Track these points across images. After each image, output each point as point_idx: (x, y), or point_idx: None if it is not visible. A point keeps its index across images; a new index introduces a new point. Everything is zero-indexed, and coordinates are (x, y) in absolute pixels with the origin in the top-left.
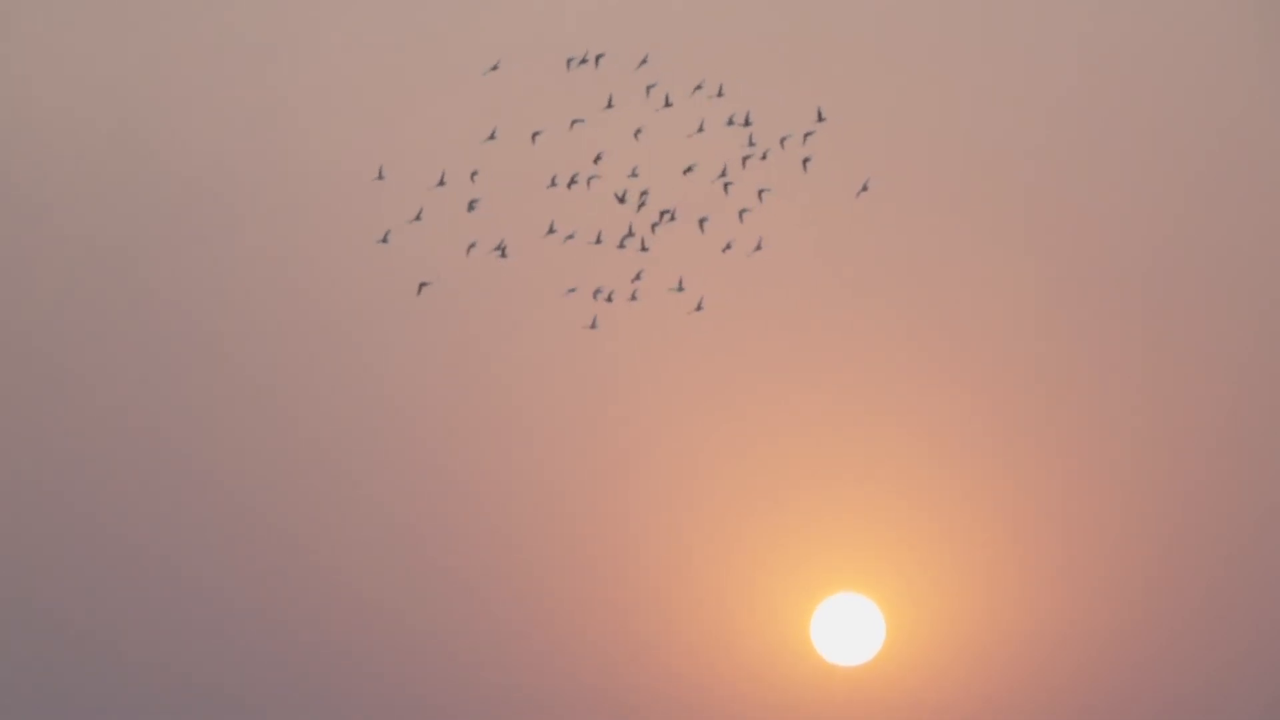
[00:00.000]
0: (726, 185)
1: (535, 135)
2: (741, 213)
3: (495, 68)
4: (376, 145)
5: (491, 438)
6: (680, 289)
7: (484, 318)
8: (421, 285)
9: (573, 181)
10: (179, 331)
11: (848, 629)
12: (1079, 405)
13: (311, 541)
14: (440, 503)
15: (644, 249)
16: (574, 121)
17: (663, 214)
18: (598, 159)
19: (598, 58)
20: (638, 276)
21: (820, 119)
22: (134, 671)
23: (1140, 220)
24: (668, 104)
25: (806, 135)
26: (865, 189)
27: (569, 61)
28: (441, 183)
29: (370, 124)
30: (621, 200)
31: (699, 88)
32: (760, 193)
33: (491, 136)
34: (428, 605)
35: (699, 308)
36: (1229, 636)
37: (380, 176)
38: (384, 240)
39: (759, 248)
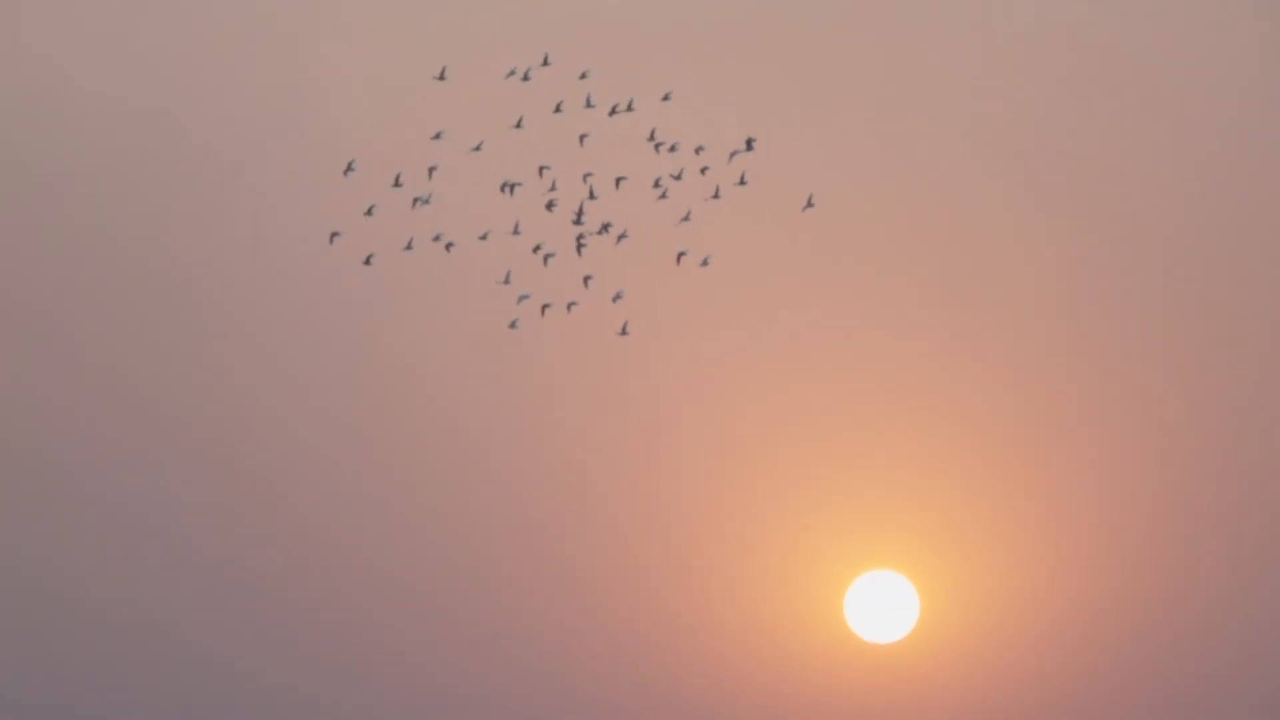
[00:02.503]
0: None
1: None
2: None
3: (442, 76)
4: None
5: (526, 415)
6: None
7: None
8: (368, 258)
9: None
10: (205, 313)
11: (882, 606)
12: (1111, 383)
13: (337, 528)
14: (472, 482)
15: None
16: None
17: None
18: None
19: (543, 62)
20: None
21: (750, 147)
22: (163, 658)
23: (1164, 195)
24: (625, 109)
25: (745, 149)
26: (811, 204)
27: (511, 72)
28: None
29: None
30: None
31: (630, 108)
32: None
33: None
34: (460, 587)
35: (623, 331)
36: (1262, 611)
37: (350, 169)
38: (336, 236)
39: (705, 262)
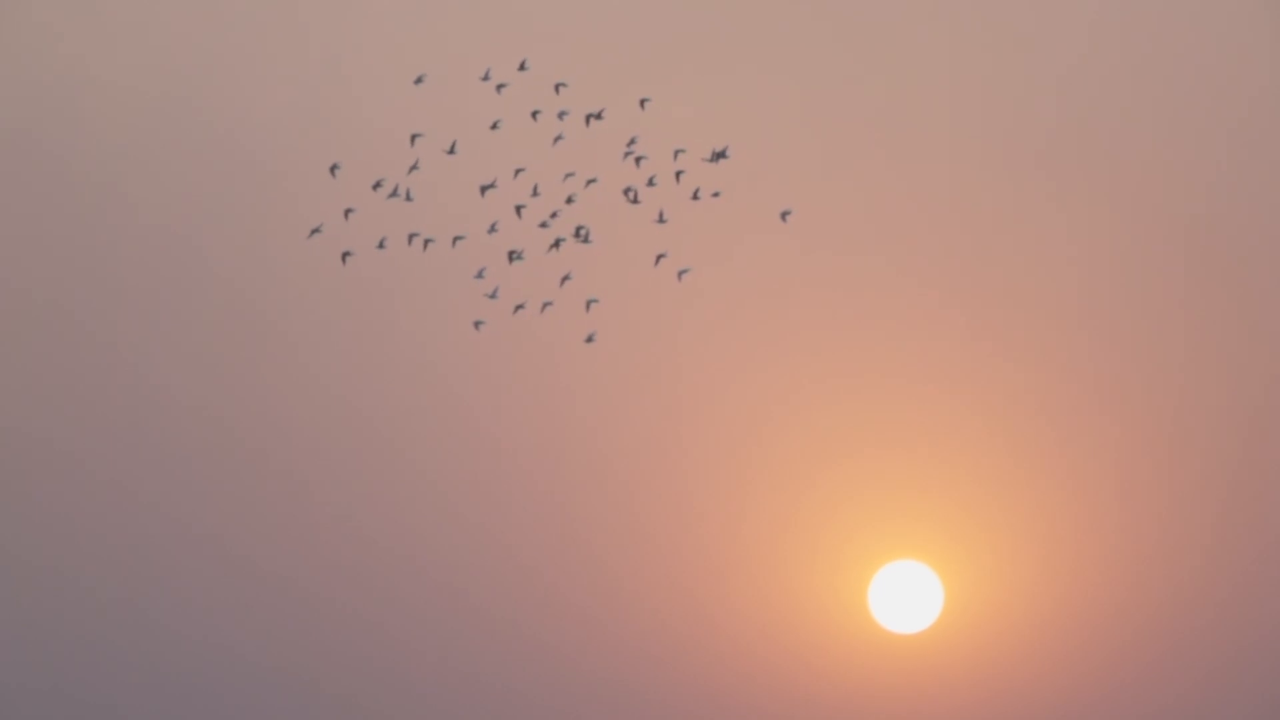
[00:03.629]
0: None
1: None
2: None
3: (420, 80)
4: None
5: (546, 405)
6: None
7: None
8: (345, 255)
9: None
10: (217, 304)
11: (906, 596)
12: (1136, 370)
13: (363, 516)
14: (494, 473)
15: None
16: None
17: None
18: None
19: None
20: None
21: (725, 155)
22: (185, 653)
23: (1186, 179)
24: (597, 117)
25: (718, 156)
26: (790, 212)
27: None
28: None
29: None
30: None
31: (600, 117)
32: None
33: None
34: (479, 577)
35: (590, 339)
36: None
37: (335, 169)
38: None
39: (685, 275)
